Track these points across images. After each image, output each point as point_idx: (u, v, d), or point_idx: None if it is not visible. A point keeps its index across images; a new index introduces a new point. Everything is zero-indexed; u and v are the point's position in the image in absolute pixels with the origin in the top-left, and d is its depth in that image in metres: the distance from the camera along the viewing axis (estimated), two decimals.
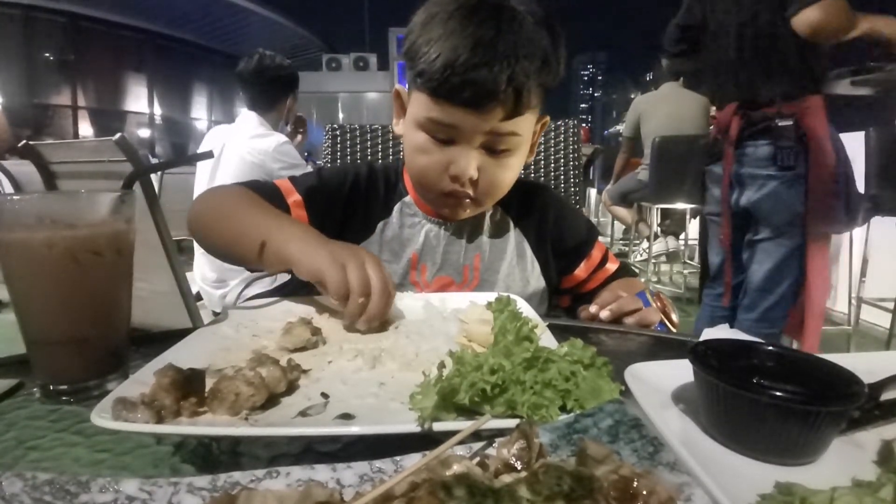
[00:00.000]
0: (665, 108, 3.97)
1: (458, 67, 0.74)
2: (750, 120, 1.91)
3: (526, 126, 0.83)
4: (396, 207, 0.96)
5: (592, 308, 0.78)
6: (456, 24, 0.76)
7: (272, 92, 2.29)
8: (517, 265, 0.96)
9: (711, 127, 2.19)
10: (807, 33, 1.71)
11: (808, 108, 1.81)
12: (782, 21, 1.78)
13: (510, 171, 0.86)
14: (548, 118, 0.94)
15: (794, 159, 1.83)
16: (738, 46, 1.94)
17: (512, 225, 0.98)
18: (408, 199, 0.97)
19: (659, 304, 0.80)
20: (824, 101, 1.84)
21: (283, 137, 2.19)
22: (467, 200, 0.86)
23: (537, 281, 0.97)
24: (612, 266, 0.99)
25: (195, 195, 2.36)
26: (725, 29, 1.98)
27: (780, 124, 1.82)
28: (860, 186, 2.49)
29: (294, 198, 0.90)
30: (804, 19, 1.69)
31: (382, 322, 0.64)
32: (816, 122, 1.81)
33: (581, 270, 0.98)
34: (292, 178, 0.94)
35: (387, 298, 0.63)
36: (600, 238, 1.03)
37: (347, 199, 0.95)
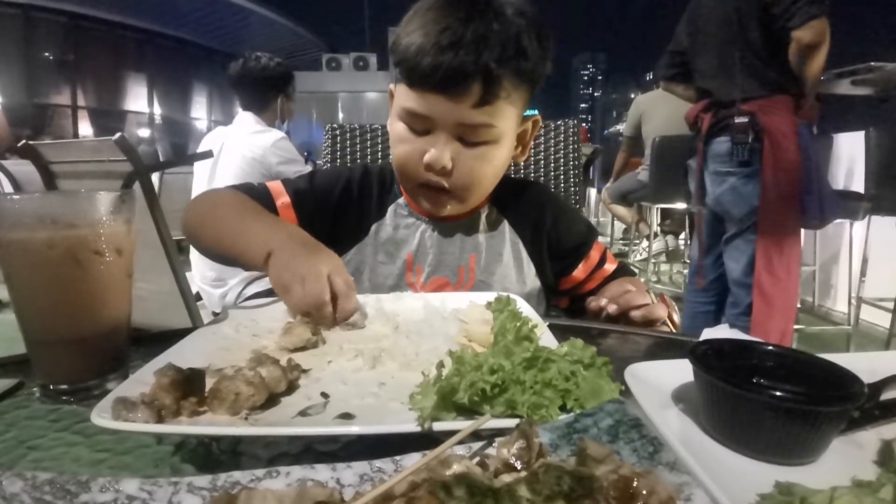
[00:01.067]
0: (666, 108, 3.96)
1: (428, 50, 0.76)
2: (717, 117, 1.96)
3: (503, 118, 0.82)
4: (391, 209, 0.96)
5: (602, 301, 0.78)
6: (432, 15, 0.78)
7: (262, 92, 2.32)
8: (513, 266, 0.95)
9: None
10: (808, 42, 1.76)
11: (769, 107, 1.85)
12: (749, 23, 1.84)
13: (488, 164, 0.85)
14: (538, 117, 0.94)
15: (750, 155, 1.87)
16: (708, 46, 1.98)
17: (507, 225, 0.98)
18: (402, 200, 0.97)
19: (662, 304, 0.80)
20: (793, 101, 1.88)
21: (280, 134, 2.23)
22: (445, 195, 0.86)
23: (533, 282, 0.97)
24: (610, 266, 0.99)
25: (194, 195, 2.37)
26: (699, 30, 2.03)
27: (736, 121, 1.88)
28: (860, 186, 2.50)
29: (283, 200, 0.92)
30: (811, 29, 1.75)
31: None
32: (776, 120, 1.85)
33: (579, 271, 0.98)
34: (284, 181, 0.95)
35: (348, 300, 0.65)
36: (600, 238, 1.02)
37: (338, 203, 0.95)
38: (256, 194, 0.90)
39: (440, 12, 0.78)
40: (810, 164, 1.87)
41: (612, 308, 0.76)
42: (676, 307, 0.83)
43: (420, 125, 0.82)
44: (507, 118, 0.83)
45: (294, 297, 0.63)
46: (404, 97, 0.82)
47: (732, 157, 1.91)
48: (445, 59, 0.75)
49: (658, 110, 4.05)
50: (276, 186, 0.94)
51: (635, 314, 0.75)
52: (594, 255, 0.98)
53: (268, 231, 0.75)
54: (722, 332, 0.64)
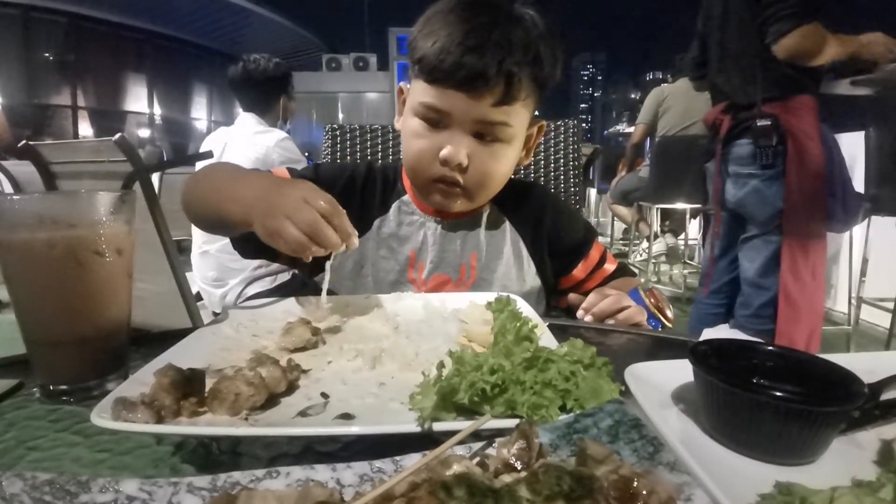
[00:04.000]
0: (685, 103, 3.91)
1: (453, 49, 0.78)
2: (737, 119, 1.94)
3: (518, 119, 0.85)
4: (394, 206, 0.97)
5: (579, 312, 0.80)
6: (455, 17, 0.81)
7: (265, 94, 2.32)
8: (513, 264, 0.96)
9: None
10: (785, 59, 1.78)
11: (791, 108, 1.84)
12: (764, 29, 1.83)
13: (501, 164, 0.87)
14: (544, 123, 0.96)
15: (773, 158, 1.87)
16: (727, 48, 1.97)
17: (508, 224, 0.99)
18: (406, 197, 0.98)
19: (652, 299, 0.80)
20: (816, 102, 1.87)
21: (283, 134, 2.23)
22: (458, 189, 0.87)
23: (533, 280, 0.98)
24: (610, 266, 1.00)
25: None
26: (715, 32, 2.02)
27: (759, 124, 1.86)
28: (860, 186, 2.50)
29: None
30: (783, 46, 1.77)
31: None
32: (799, 121, 1.84)
33: (579, 271, 0.99)
34: (289, 168, 0.96)
35: (339, 217, 0.64)
36: (600, 238, 1.03)
37: (340, 195, 0.94)
38: None
39: (464, 14, 0.81)
40: (834, 165, 1.86)
41: (587, 319, 0.78)
42: (669, 302, 0.83)
43: (438, 120, 0.84)
44: (521, 120, 0.86)
45: (287, 236, 0.62)
46: (423, 93, 0.84)
47: (755, 159, 1.90)
48: (471, 58, 0.78)
49: (678, 102, 3.96)
50: (280, 171, 0.94)
51: (609, 323, 0.77)
52: (594, 254, 0.99)
53: (249, 185, 0.75)
54: (722, 332, 0.64)
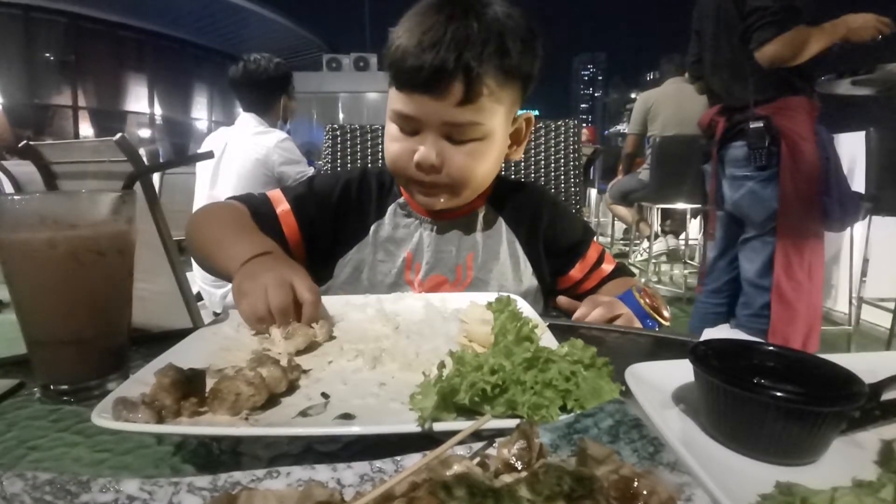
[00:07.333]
0: (673, 105, 3.92)
1: (412, 50, 0.78)
2: (732, 121, 1.95)
3: (489, 116, 0.83)
4: (390, 209, 0.98)
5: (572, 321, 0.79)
6: (417, 19, 0.81)
7: (265, 94, 2.32)
8: (509, 264, 0.97)
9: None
10: (768, 66, 1.80)
11: (784, 110, 1.85)
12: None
13: (478, 161, 0.86)
14: (531, 114, 0.95)
15: (767, 159, 1.87)
16: (719, 51, 1.98)
17: (504, 224, 0.99)
18: (401, 200, 0.98)
19: (647, 299, 0.80)
20: (809, 102, 1.88)
21: (283, 134, 2.24)
22: (438, 189, 0.88)
23: (530, 280, 0.98)
24: (608, 266, 1.00)
25: (195, 195, 2.35)
26: (708, 35, 2.03)
27: (752, 126, 1.87)
28: (860, 186, 2.50)
29: (282, 207, 0.93)
30: (765, 54, 1.78)
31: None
32: (792, 122, 1.84)
33: (576, 271, 0.99)
34: (283, 188, 0.98)
35: (312, 307, 0.62)
36: (601, 238, 1.03)
37: (337, 206, 0.97)
38: (256, 203, 0.92)
39: (424, 16, 0.81)
40: (829, 165, 1.86)
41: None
42: (664, 300, 0.83)
43: (409, 126, 0.85)
44: (495, 116, 0.84)
45: (251, 301, 0.61)
46: (394, 100, 0.85)
47: (750, 161, 1.91)
48: (427, 58, 0.77)
49: (666, 106, 3.98)
50: (275, 194, 0.96)
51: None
52: (591, 254, 0.99)
53: (244, 246, 0.75)
54: (723, 331, 0.64)
